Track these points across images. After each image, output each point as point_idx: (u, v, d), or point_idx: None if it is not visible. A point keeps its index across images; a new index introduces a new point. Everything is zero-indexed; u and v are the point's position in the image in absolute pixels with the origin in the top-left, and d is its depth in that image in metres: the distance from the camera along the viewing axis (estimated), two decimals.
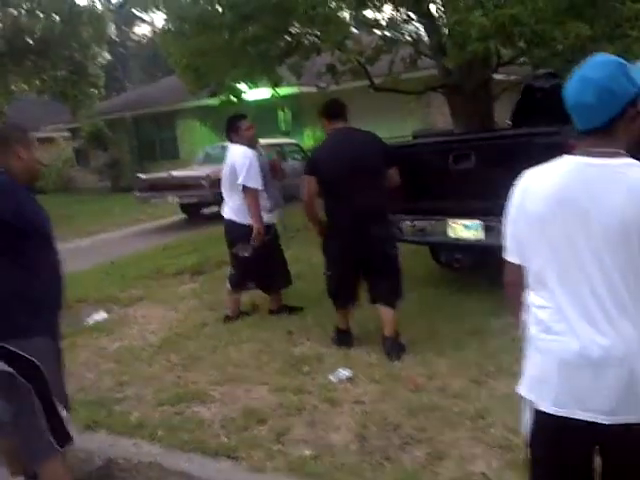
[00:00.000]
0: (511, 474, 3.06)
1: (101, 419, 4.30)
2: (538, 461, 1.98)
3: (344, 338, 5.21)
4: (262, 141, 15.44)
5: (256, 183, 5.82)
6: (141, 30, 50.79)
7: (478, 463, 3.21)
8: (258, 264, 5.94)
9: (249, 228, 5.85)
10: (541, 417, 1.88)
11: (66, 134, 29.10)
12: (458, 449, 3.35)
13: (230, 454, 3.62)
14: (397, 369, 4.49)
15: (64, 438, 3.11)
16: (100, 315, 6.91)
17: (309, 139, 20.06)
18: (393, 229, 5.41)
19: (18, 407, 3.06)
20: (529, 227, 1.89)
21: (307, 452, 3.54)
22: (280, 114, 20.61)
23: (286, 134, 19.70)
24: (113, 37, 33.20)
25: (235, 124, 6.11)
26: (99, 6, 23.31)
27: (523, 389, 1.96)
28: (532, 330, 1.92)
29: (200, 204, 14.32)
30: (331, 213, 5.07)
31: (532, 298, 1.92)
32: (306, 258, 7.74)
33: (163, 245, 11.05)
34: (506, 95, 11.41)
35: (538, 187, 1.88)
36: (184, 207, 14.89)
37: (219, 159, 15.37)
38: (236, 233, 6.00)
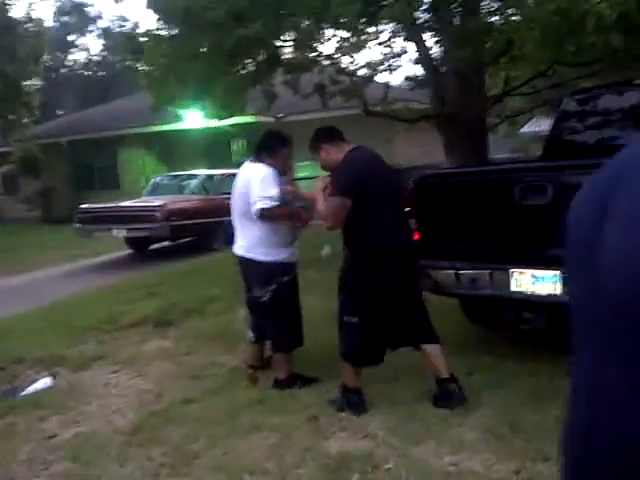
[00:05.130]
0: None
1: None
2: None
3: (358, 400, 4.19)
4: (218, 172, 14.02)
5: (273, 200, 4.52)
6: (75, 56, 48.54)
7: None
8: (273, 311, 4.69)
9: (268, 266, 4.62)
10: None
11: None
12: None
13: None
14: None
15: None
16: (43, 382, 5.31)
17: None
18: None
19: None
20: None
21: None
22: (234, 144, 19.31)
23: (239, 165, 18.38)
24: (47, 62, 31.21)
25: (276, 146, 4.81)
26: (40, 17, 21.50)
27: None
28: None
29: (151, 238, 12.74)
30: (373, 237, 4.12)
31: None
32: (321, 307, 5.97)
33: (112, 286, 9.42)
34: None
35: None
36: (131, 242, 13.17)
37: (169, 190, 13.99)
38: (253, 273, 4.74)
